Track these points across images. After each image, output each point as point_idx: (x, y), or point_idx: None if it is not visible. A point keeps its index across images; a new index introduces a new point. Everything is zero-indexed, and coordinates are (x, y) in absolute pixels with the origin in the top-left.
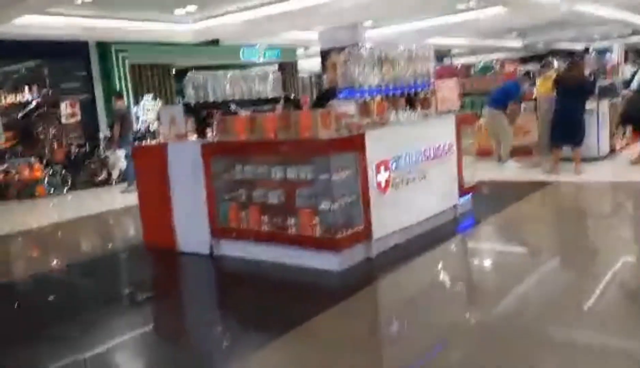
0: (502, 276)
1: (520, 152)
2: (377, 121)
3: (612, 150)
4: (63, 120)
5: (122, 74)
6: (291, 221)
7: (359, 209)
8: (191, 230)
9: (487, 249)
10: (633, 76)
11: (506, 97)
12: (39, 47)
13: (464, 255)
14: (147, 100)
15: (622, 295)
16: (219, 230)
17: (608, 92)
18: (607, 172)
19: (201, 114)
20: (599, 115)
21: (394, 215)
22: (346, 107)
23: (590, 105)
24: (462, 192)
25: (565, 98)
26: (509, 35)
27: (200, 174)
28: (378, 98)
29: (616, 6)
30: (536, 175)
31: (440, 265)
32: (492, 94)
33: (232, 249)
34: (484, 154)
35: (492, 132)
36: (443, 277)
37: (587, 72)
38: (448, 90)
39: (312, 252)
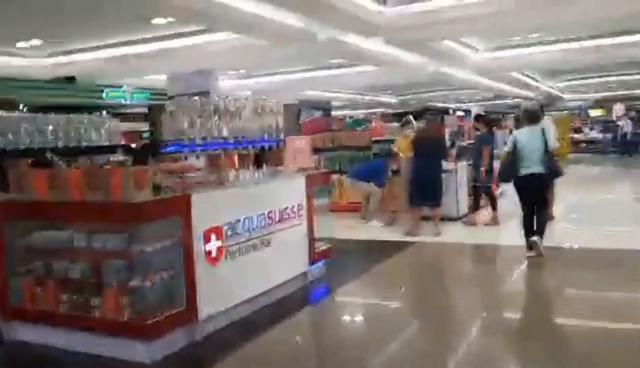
0: (350, 351)
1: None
2: (214, 180)
3: (470, 210)
4: None
5: None
6: (95, 301)
7: (182, 286)
8: None
9: (334, 320)
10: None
11: (372, 175)
12: None
13: (308, 330)
14: None
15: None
16: (11, 311)
17: (466, 152)
18: (465, 232)
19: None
20: (457, 176)
21: (229, 289)
22: (196, 162)
23: (449, 165)
24: (315, 257)
25: (422, 158)
26: (386, 92)
27: None
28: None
29: (474, 71)
30: (398, 234)
31: (279, 345)
32: (358, 167)
33: (28, 334)
34: (346, 210)
35: (360, 193)
36: (281, 359)
37: (446, 132)
38: (300, 147)
39: (119, 339)
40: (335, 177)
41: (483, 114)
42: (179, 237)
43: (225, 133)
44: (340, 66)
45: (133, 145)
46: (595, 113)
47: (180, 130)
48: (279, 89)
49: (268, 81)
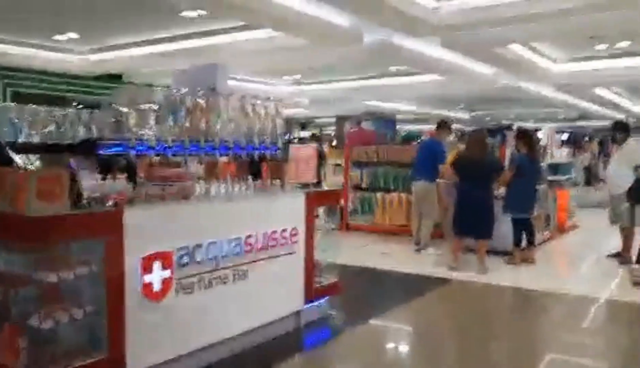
0: None
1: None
2: (175, 192)
3: (531, 243)
4: None
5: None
6: None
7: (104, 327)
8: None
9: None
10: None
11: (433, 160)
12: None
13: None
14: None
15: None
16: None
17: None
18: (518, 272)
19: None
20: None
21: (179, 333)
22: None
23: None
24: (314, 293)
25: (466, 181)
26: (457, 106)
27: None
28: (224, 159)
29: (551, 86)
30: (436, 267)
31: None
32: (415, 164)
33: None
34: (389, 232)
35: (417, 208)
36: None
37: (507, 151)
38: (305, 158)
39: None
40: (379, 195)
41: (528, 131)
42: (103, 264)
43: (200, 135)
44: (398, 74)
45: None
46: None
47: (127, 128)
48: (339, 98)
49: (325, 88)
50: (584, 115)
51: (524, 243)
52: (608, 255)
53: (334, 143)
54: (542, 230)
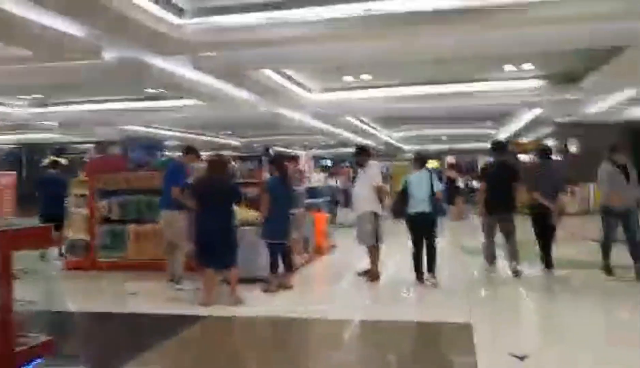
0: None
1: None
2: None
3: (289, 269)
4: None
5: None
6: None
7: None
8: None
9: None
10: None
11: (171, 182)
12: None
13: None
14: None
15: None
16: None
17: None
18: (275, 300)
19: None
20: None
21: None
22: None
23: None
24: (17, 359)
25: (204, 207)
26: (224, 132)
27: None
28: None
29: (308, 114)
30: (191, 305)
31: None
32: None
33: None
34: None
35: (166, 239)
36: None
37: (265, 174)
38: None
39: None
40: (131, 227)
41: (281, 155)
42: None
43: None
44: (159, 97)
45: None
46: (432, 165)
47: None
48: (97, 121)
49: (78, 110)
50: (343, 142)
51: (281, 269)
52: (358, 274)
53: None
54: (300, 254)
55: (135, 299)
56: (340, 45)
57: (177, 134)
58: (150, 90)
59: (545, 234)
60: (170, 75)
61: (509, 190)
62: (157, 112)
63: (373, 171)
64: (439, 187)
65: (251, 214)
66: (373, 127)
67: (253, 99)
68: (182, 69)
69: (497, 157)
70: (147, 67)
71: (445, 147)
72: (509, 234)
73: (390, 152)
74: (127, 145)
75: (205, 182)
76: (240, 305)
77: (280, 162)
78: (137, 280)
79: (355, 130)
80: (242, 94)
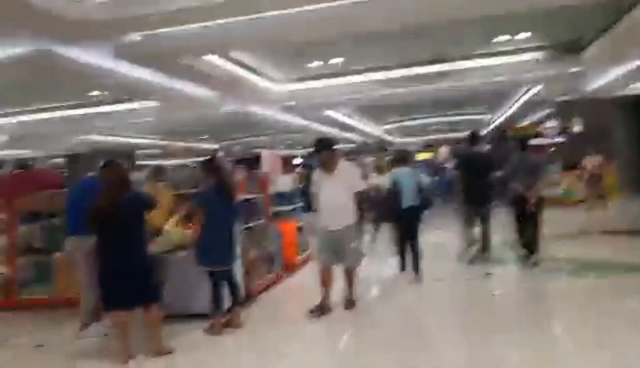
0: None
1: None
2: None
3: (236, 302)
4: None
5: None
6: None
7: None
8: None
9: None
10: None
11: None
12: None
13: None
14: None
15: None
16: None
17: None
18: (215, 347)
19: None
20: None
21: None
22: None
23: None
24: None
25: (104, 235)
26: (200, 136)
27: None
28: None
29: (278, 109)
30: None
31: None
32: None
33: None
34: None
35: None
36: None
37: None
38: None
39: None
40: (57, 255)
41: (214, 158)
42: None
43: None
44: (105, 102)
45: None
46: (422, 156)
47: None
48: (53, 133)
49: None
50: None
51: (228, 302)
52: (310, 311)
53: None
54: (262, 277)
55: (34, 356)
56: (289, 15)
57: (155, 141)
58: (94, 94)
59: (527, 223)
60: (87, 66)
61: (485, 180)
62: (109, 117)
63: (350, 174)
64: (426, 181)
65: (187, 234)
66: (357, 120)
67: (211, 95)
68: (101, 60)
69: (473, 146)
70: (63, 59)
71: (440, 137)
72: (485, 223)
73: (380, 146)
74: (97, 156)
75: (99, 203)
76: (167, 356)
77: (215, 166)
78: (55, 323)
79: (339, 125)
80: (197, 91)
